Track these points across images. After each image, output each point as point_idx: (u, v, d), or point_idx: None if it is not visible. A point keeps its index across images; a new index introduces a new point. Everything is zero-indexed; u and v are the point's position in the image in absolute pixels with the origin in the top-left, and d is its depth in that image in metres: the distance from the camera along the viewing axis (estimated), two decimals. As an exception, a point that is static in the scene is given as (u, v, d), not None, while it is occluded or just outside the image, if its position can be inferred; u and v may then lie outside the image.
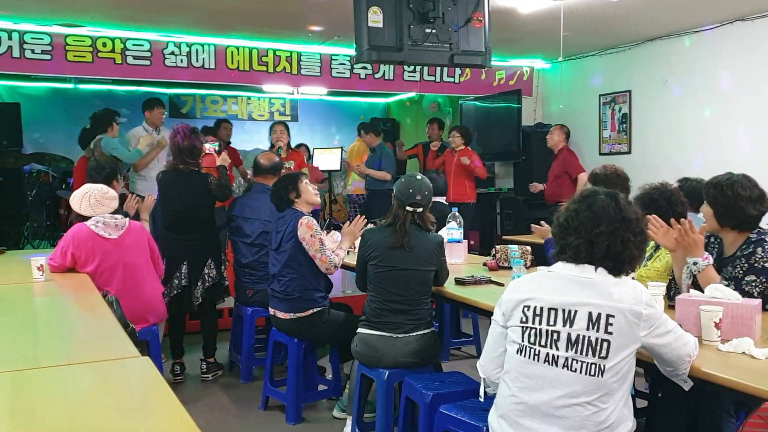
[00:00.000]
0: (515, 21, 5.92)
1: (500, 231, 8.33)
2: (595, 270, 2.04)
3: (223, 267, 4.77)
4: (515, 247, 4.09)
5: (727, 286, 2.59)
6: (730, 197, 2.76)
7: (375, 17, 3.50)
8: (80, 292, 3.40)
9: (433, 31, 3.58)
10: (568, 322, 2.00)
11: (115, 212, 4.06)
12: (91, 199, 3.96)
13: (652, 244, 3.37)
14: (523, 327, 2.07)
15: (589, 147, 7.75)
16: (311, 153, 8.34)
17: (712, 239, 3.04)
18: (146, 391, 1.88)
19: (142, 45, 6.53)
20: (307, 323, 3.86)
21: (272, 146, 6.29)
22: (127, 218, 4.12)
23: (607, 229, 2.02)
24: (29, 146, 8.66)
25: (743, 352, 2.21)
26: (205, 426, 3.98)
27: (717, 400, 2.85)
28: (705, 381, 2.09)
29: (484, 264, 4.13)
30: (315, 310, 3.86)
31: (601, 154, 7.71)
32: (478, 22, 3.70)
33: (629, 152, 7.41)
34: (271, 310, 4.00)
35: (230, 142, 7.91)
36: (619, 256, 2.03)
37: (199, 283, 4.59)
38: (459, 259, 4.31)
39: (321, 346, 4.21)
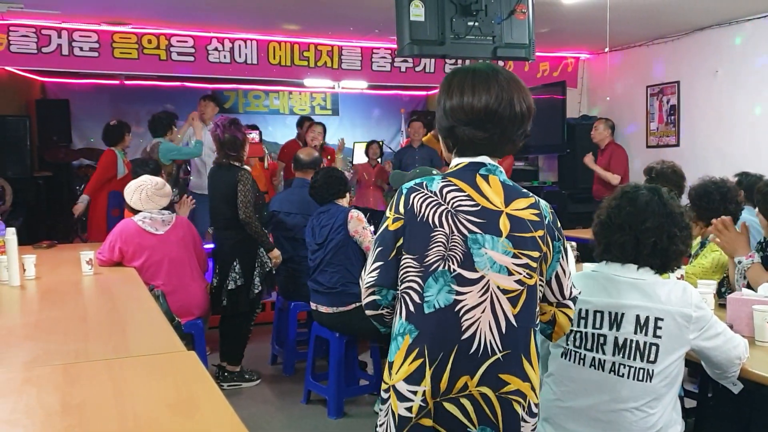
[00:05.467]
0: (559, 12, 5.82)
1: (543, 225, 8.21)
2: (639, 269, 1.98)
3: (255, 273, 4.38)
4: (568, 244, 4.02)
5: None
6: None
7: (417, 11, 3.48)
8: (128, 286, 3.47)
9: (476, 24, 3.54)
10: (615, 326, 1.95)
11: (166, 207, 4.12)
12: (142, 193, 4.03)
13: (697, 241, 3.29)
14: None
15: (636, 139, 7.59)
16: (382, 150, 8.24)
17: None
18: (193, 385, 1.89)
19: (186, 41, 6.62)
20: (349, 318, 3.87)
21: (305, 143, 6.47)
22: (174, 214, 4.18)
23: (652, 225, 1.96)
24: (78, 142, 8.86)
25: (799, 354, 2.14)
26: (248, 418, 4.03)
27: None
28: (758, 384, 2.03)
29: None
30: (357, 304, 3.87)
31: (648, 146, 7.54)
32: (522, 14, 3.64)
33: (677, 145, 7.22)
34: (313, 305, 4.03)
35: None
36: (665, 252, 1.97)
37: (225, 285, 4.36)
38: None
39: (362, 341, 4.23)
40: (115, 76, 8.44)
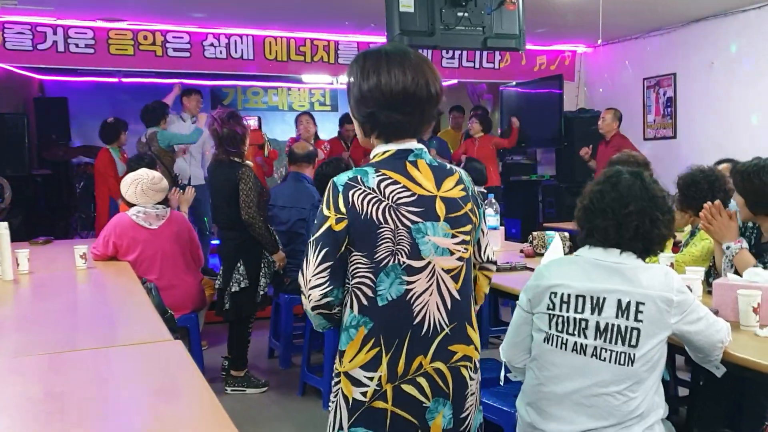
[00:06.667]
0: (553, 3, 5.82)
1: (542, 219, 8.23)
2: (622, 254, 1.99)
3: (261, 273, 4.21)
4: (552, 233, 4.03)
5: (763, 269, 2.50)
6: (757, 185, 2.67)
7: (406, 2, 3.48)
8: (120, 280, 3.48)
9: (466, 14, 3.54)
10: (597, 310, 1.95)
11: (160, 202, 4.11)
12: (137, 187, 4.03)
13: (688, 229, 3.29)
14: (550, 314, 2.03)
15: (633, 132, 7.56)
16: None
17: (749, 225, 2.94)
18: (176, 373, 1.91)
19: (182, 37, 6.64)
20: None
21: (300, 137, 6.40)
22: (169, 208, 4.18)
23: (635, 209, 1.96)
24: (77, 139, 8.87)
25: (783, 338, 2.14)
26: (243, 411, 4.08)
27: (760, 387, 2.77)
28: (742, 367, 2.03)
29: (521, 251, 4.09)
30: (350, 297, 3.87)
31: (645, 139, 7.54)
32: (512, 4, 3.64)
33: (674, 137, 7.22)
34: (307, 298, 4.03)
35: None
36: (648, 235, 1.97)
37: (228, 288, 4.17)
38: (495, 246, 4.27)
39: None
40: (113, 73, 8.45)
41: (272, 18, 6.44)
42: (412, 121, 1.76)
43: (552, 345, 2.02)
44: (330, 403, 1.83)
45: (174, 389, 1.77)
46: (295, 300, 4.60)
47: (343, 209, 1.69)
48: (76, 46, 6.33)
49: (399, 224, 1.70)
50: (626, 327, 1.92)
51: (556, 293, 2.02)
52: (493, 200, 4.44)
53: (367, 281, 1.71)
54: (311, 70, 7.34)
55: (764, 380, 2.02)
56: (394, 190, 1.71)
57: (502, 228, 4.50)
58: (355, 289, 1.73)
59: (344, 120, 7.57)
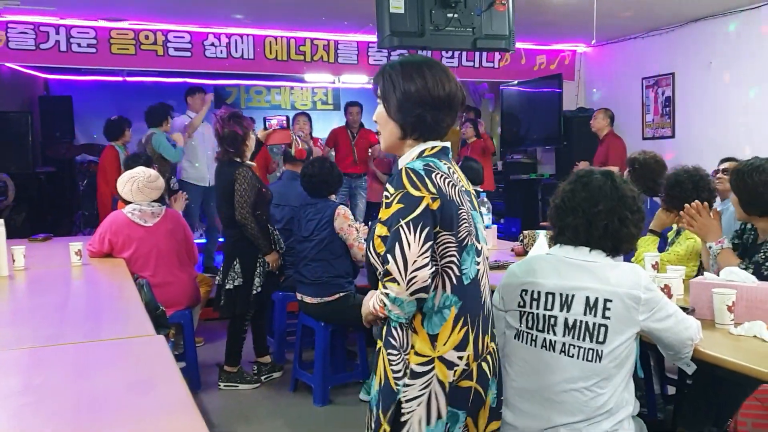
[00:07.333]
0: (549, 3, 5.83)
1: (542, 217, 8.24)
2: (591, 252, 2.01)
3: (257, 273, 4.20)
4: (542, 232, 4.06)
5: (745, 269, 2.52)
6: (750, 185, 2.66)
7: (396, 3, 3.51)
8: (113, 276, 3.53)
9: (455, 15, 3.56)
10: (566, 307, 1.98)
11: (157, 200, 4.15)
12: (134, 185, 4.07)
13: (674, 229, 3.31)
14: (521, 311, 2.06)
15: (632, 131, 7.58)
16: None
17: (748, 227, 2.95)
18: (154, 367, 1.94)
19: (183, 37, 6.69)
20: (334, 307, 3.92)
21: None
22: (164, 206, 4.22)
23: (605, 208, 1.99)
24: (81, 137, 8.94)
25: (755, 336, 2.17)
26: (235, 406, 4.11)
27: (739, 386, 2.78)
28: (713, 365, 2.05)
29: (512, 249, 4.12)
30: (341, 294, 3.92)
31: (644, 138, 7.53)
32: (502, 5, 3.66)
33: (673, 136, 7.22)
34: (299, 295, 4.08)
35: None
36: (616, 234, 2.00)
37: (224, 285, 4.20)
38: (487, 244, 4.29)
39: (350, 331, 4.26)
40: (117, 72, 8.51)
41: (272, 18, 6.48)
42: (448, 122, 1.88)
43: (522, 341, 2.05)
44: (412, 399, 1.78)
45: (148, 383, 1.80)
46: (289, 297, 4.62)
47: (433, 190, 1.75)
48: (78, 45, 6.40)
49: (468, 207, 1.84)
50: (594, 324, 1.95)
51: (527, 291, 2.05)
52: (485, 199, 4.47)
53: (455, 260, 1.79)
54: (311, 70, 7.39)
55: (738, 379, 2.03)
56: (457, 177, 1.86)
57: (495, 227, 4.53)
58: (446, 269, 1.78)
59: (348, 104, 7.57)
